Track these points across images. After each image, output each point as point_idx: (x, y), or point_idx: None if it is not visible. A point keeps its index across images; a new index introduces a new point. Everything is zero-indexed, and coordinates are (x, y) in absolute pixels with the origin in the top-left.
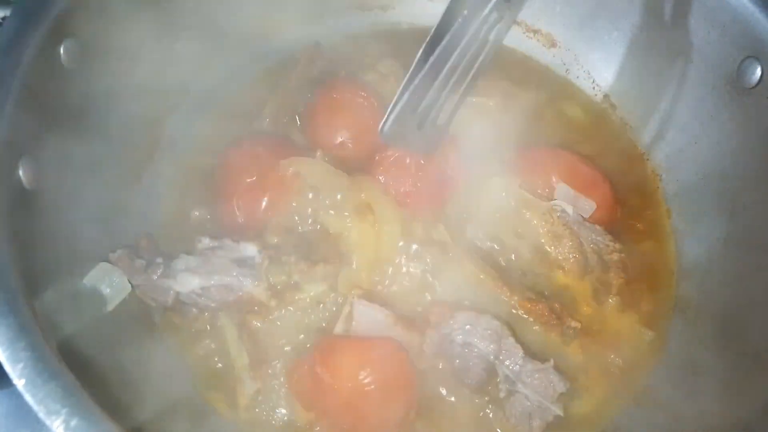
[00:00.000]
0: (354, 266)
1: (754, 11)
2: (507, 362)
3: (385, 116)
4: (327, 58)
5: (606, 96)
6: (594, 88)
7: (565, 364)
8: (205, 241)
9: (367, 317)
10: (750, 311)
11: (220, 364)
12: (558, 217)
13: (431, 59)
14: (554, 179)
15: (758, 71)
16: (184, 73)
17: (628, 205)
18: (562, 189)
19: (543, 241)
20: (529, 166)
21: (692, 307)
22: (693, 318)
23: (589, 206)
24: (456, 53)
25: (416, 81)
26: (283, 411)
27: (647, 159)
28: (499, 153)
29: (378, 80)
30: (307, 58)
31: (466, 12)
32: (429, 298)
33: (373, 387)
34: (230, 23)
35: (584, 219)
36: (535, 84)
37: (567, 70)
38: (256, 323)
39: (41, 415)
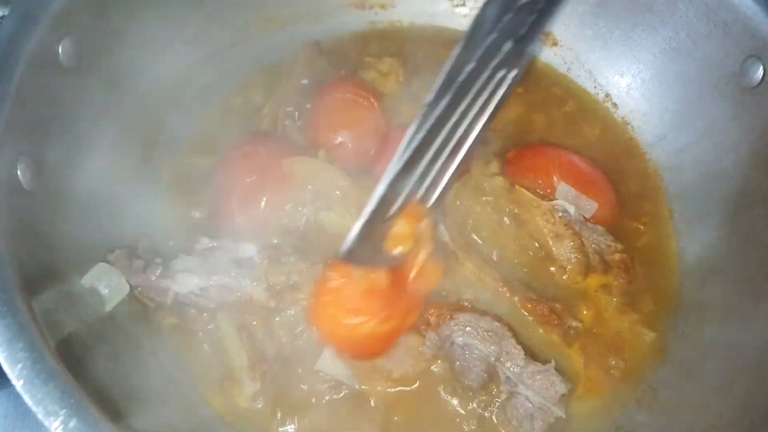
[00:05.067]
0: None
1: (756, 11)
2: (508, 364)
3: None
4: (327, 57)
5: (608, 95)
6: (595, 87)
7: (567, 365)
8: (204, 242)
9: None
10: (752, 312)
11: (219, 365)
12: (560, 217)
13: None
14: (555, 179)
15: (760, 71)
16: (183, 72)
17: (629, 205)
18: (563, 189)
19: (544, 241)
20: (530, 164)
21: (694, 308)
22: (695, 318)
23: (590, 206)
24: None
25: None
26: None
27: (649, 158)
28: (501, 151)
29: (378, 79)
30: (307, 57)
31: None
32: (429, 298)
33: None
34: (229, 22)
35: (586, 219)
36: (536, 83)
37: (568, 69)
38: (256, 324)
39: (40, 416)
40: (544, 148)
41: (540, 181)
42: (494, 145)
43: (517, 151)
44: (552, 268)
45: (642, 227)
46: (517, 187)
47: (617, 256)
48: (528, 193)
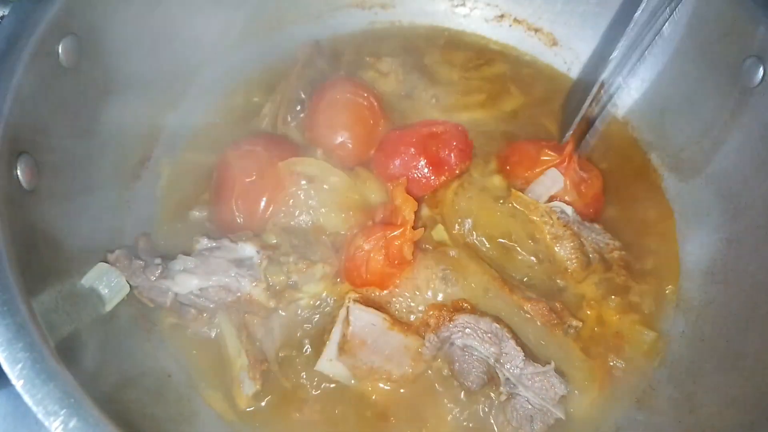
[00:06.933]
0: None
1: (757, 11)
2: (507, 365)
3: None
4: (326, 56)
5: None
6: None
7: (567, 366)
8: (204, 242)
9: (364, 321)
10: (752, 312)
11: (219, 365)
12: (558, 218)
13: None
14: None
15: (761, 71)
16: (183, 71)
17: (629, 204)
18: (552, 174)
19: (544, 241)
20: (519, 159)
21: (694, 308)
22: (695, 318)
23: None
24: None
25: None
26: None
27: (649, 158)
28: (499, 150)
29: (378, 79)
30: (307, 56)
31: None
32: (428, 299)
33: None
34: (229, 22)
35: (582, 219)
36: (536, 83)
37: (568, 69)
38: (256, 323)
39: (40, 416)
40: (529, 142)
41: (526, 174)
42: (493, 145)
43: (509, 147)
44: (552, 268)
45: (642, 227)
46: (512, 190)
47: (616, 254)
48: (524, 196)
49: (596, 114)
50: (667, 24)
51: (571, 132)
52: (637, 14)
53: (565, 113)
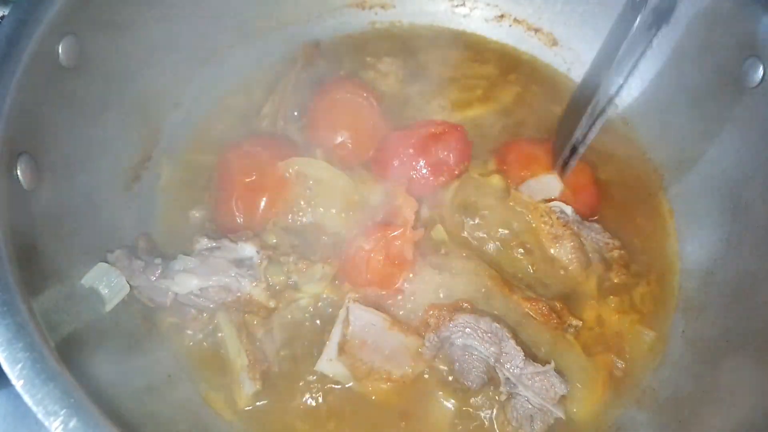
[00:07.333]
0: None
1: (757, 11)
2: (507, 365)
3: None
4: (326, 56)
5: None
6: None
7: (567, 366)
8: (204, 242)
9: (364, 321)
10: (752, 312)
11: (219, 365)
12: (557, 218)
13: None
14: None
15: (760, 71)
16: (183, 72)
17: (630, 205)
18: (548, 179)
19: (543, 241)
20: (518, 158)
21: (694, 308)
22: (695, 318)
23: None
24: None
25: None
26: None
27: (649, 158)
28: (498, 150)
29: (378, 79)
30: (307, 56)
31: None
32: (428, 299)
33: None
34: (229, 22)
35: (582, 219)
36: (536, 83)
37: (568, 69)
38: (256, 323)
39: (40, 416)
40: (527, 140)
41: (525, 174)
42: (492, 145)
43: (508, 147)
44: (552, 268)
45: (642, 227)
46: (512, 190)
47: (616, 253)
48: (524, 196)
49: (578, 139)
50: (664, 27)
51: (562, 159)
52: (635, 24)
53: (559, 134)
